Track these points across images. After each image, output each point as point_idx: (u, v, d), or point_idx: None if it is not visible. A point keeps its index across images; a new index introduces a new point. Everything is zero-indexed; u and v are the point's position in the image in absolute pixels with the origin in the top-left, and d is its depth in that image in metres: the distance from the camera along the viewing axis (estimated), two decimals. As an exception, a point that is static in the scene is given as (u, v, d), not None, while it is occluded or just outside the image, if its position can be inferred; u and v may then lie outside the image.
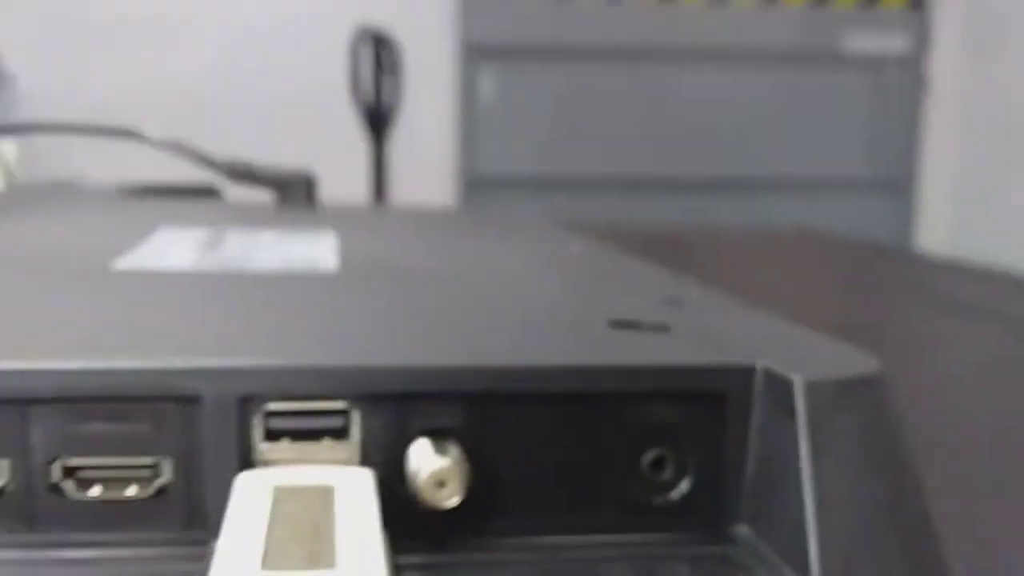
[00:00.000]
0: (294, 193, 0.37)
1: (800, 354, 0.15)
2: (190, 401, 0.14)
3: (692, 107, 1.82)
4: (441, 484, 0.14)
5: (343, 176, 1.37)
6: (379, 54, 1.18)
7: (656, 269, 0.25)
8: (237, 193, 0.47)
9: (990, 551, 0.18)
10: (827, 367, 0.15)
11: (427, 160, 1.61)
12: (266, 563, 0.11)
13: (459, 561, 0.14)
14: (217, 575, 0.10)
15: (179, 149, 0.36)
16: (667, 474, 0.15)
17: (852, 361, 0.15)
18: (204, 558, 0.14)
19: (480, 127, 1.70)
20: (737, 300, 0.20)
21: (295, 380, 0.14)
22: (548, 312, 0.19)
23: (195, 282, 0.21)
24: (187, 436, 0.14)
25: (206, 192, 0.52)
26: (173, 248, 0.26)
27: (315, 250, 0.27)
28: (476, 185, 1.71)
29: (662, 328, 0.17)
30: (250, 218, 0.34)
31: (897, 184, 1.91)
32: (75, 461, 0.14)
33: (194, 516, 0.14)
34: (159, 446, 0.14)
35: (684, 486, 0.15)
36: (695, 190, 1.82)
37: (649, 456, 0.15)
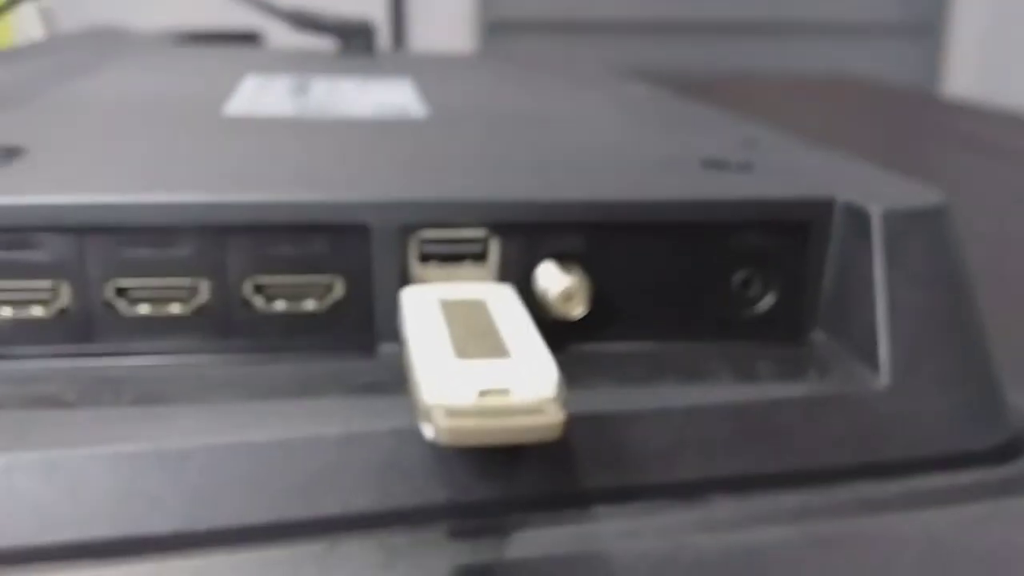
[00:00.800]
0: (355, 40, 0.38)
1: (875, 187, 0.18)
2: (360, 229, 0.16)
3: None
4: (568, 298, 0.16)
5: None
6: None
7: (723, 111, 0.27)
8: (280, 38, 0.48)
9: None
10: (900, 199, 0.17)
11: (447, 6, 1.58)
12: (457, 355, 0.13)
13: (585, 361, 0.17)
14: (421, 366, 0.13)
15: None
16: (754, 291, 0.18)
17: (921, 194, 0.17)
18: (376, 358, 0.16)
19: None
20: (806, 140, 0.22)
21: (444, 211, 0.16)
22: (644, 151, 0.21)
23: (308, 128, 0.23)
24: (356, 258, 0.16)
25: (250, 37, 0.53)
26: (268, 95, 0.28)
27: (400, 96, 0.28)
28: (497, 28, 1.68)
29: (748, 166, 0.19)
30: (323, 65, 0.35)
31: (927, 28, 1.87)
32: (263, 279, 0.16)
33: (364, 325, 0.17)
34: (333, 266, 0.16)
35: (768, 300, 0.18)
36: (722, 32, 1.79)
37: (739, 276, 0.18)
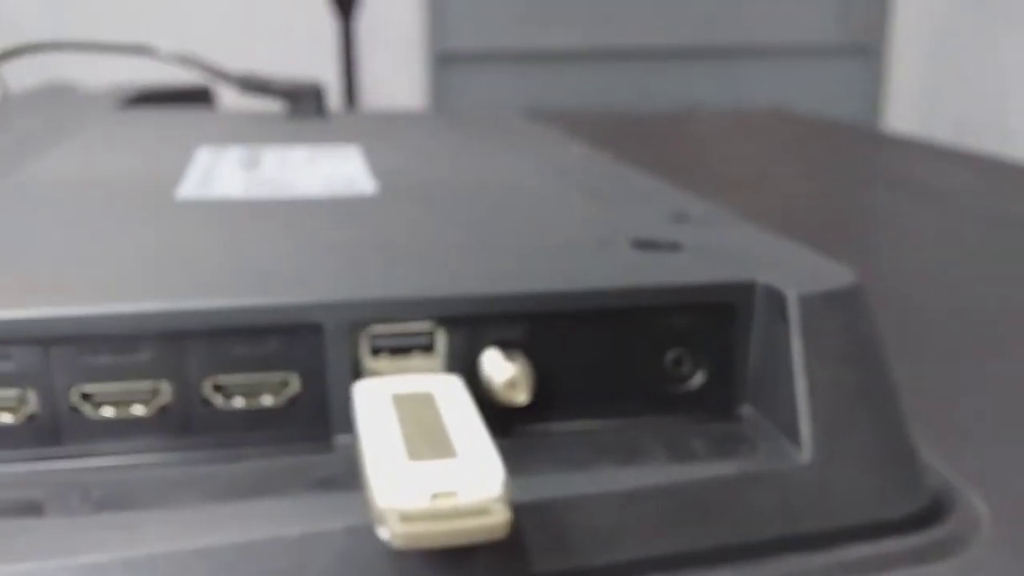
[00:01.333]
0: (304, 103, 0.39)
1: (792, 269, 0.19)
2: (313, 328, 0.17)
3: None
4: (512, 386, 0.17)
5: (312, 56, 1.36)
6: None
7: (655, 180, 0.28)
8: (230, 96, 0.49)
9: (945, 421, 0.22)
10: (814, 281, 0.18)
11: (396, 37, 1.59)
12: (409, 456, 0.14)
13: (529, 445, 0.18)
14: (374, 469, 0.14)
15: (192, 63, 0.38)
16: (685, 369, 0.19)
17: (834, 275, 0.19)
18: (332, 450, 0.17)
19: (448, 1, 1.67)
20: (733, 212, 0.24)
21: (392, 308, 0.17)
22: (578, 231, 0.22)
23: (261, 212, 0.24)
24: (310, 355, 0.17)
25: (201, 94, 0.53)
26: (220, 171, 0.28)
27: (348, 168, 0.29)
28: (446, 59, 1.69)
29: (676, 247, 0.20)
30: (273, 132, 0.36)
31: (869, 50, 1.93)
32: (222, 379, 0.17)
33: (319, 418, 0.17)
34: (288, 363, 0.17)
35: (699, 378, 0.19)
36: (667, 59, 1.82)
37: (671, 355, 0.19)
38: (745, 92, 1.83)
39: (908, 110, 1.91)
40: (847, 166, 0.49)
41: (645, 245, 0.21)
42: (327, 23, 1.25)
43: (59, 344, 0.16)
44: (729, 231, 0.22)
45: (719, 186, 0.41)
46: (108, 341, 0.16)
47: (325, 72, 1.25)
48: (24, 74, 0.53)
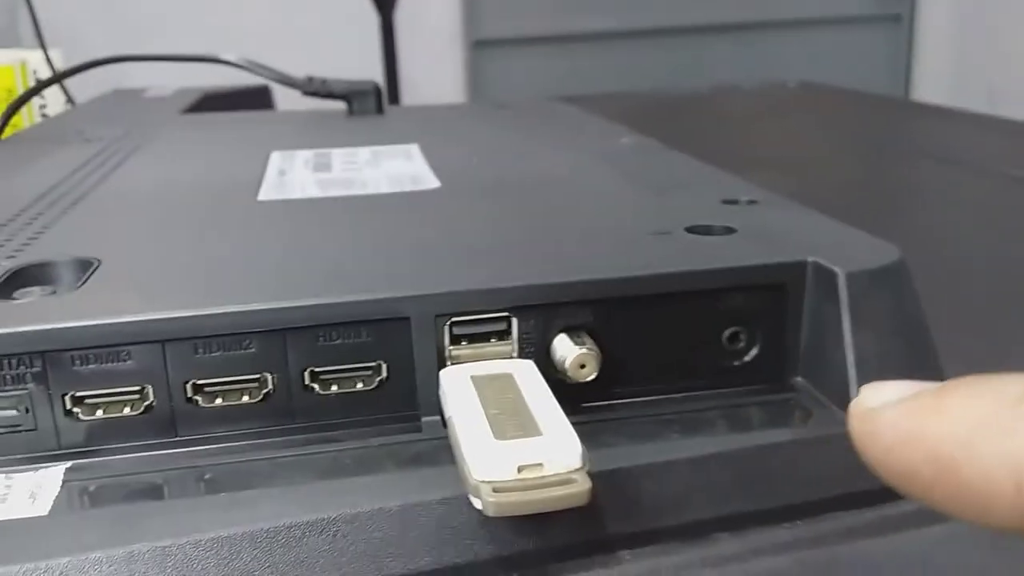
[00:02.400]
0: (363, 102, 0.41)
1: (840, 248, 0.20)
2: (401, 320, 0.19)
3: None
4: (582, 366, 0.19)
5: (355, 49, 1.38)
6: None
7: (703, 165, 0.30)
8: (287, 95, 0.51)
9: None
10: (861, 259, 0.19)
11: (433, 27, 1.61)
12: (495, 435, 0.16)
13: (599, 419, 0.19)
14: (467, 447, 0.16)
15: (257, 68, 0.40)
16: (741, 344, 0.20)
17: (880, 252, 0.20)
18: (421, 430, 0.19)
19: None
20: (779, 193, 0.25)
21: (471, 300, 0.19)
22: (636, 220, 0.23)
23: (339, 211, 0.26)
24: (399, 345, 0.19)
25: (261, 93, 0.55)
26: (294, 173, 0.30)
27: (412, 166, 0.31)
28: (482, 45, 1.71)
29: (729, 230, 0.22)
30: (337, 132, 0.38)
31: (898, 19, 1.90)
32: (319, 368, 0.19)
33: (407, 401, 0.19)
34: (378, 353, 0.19)
35: (754, 352, 0.20)
36: (697, 37, 1.82)
37: (727, 332, 0.20)
38: (775, 66, 1.81)
39: (939, 80, 1.88)
40: (881, 137, 0.50)
41: (700, 230, 0.22)
42: (369, 17, 1.27)
43: (173, 343, 0.18)
44: (777, 213, 0.24)
45: (758, 164, 0.42)
46: (217, 338, 0.18)
47: (368, 63, 1.27)
48: (87, 81, 0.55)
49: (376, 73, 1.25)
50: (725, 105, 0.65)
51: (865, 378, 0.18)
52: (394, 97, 1.29)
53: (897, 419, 0.13)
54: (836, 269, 0.19)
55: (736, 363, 0.20)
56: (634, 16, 1.77)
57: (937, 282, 0.29)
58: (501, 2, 1.71)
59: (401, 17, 1.34)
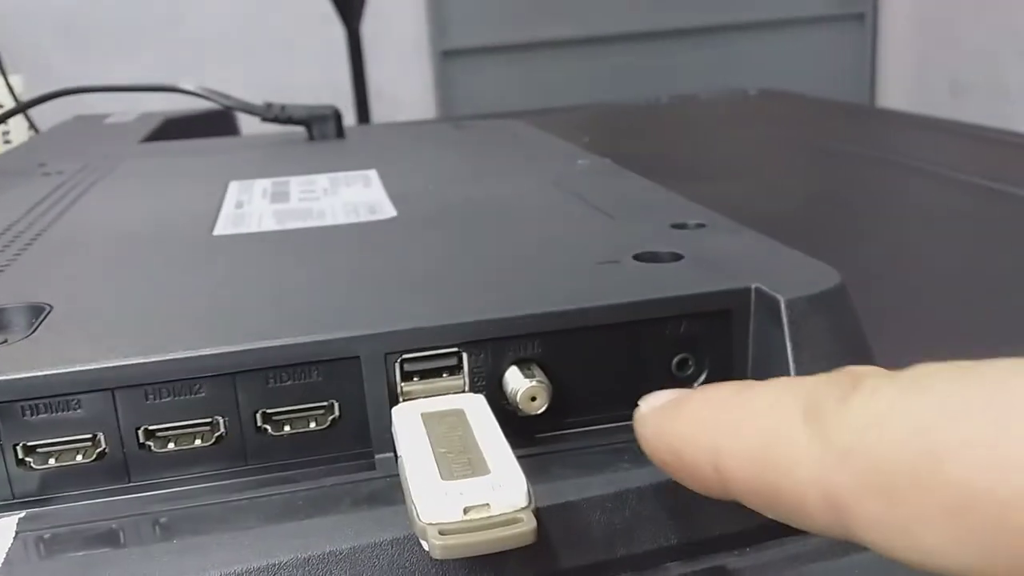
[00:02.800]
0: (323, 126, 0.41)
1: (782, 273, 0.21)
2: (351, 359, 0.19)
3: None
4: (533, 398, 0.19)
5: (323, 59, 1.38)
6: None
7: (655, 187, 0.30)
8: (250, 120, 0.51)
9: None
10: (802, 284, 0.20)
11: (400, 38, 1.61)
12: (443, 475, 0.16)
13: (551, 450, 0.19)
14: (415, 488, 0.16)
15: (218, 97, 0.40)
16: (690, 370, 0.21)
17: (821, 276, 0.20)
18: (374, 467, 0.19)
19: (448, 1, 1.69)
20: (727, 217, 0.26)
21: (421, 337, 0.19)
22: (585, 248, 0.24)
23: (293, 244, 0.26)
24: (350, 383, 0.19)
25: (222, 117, 0.55)
26: (251, 205, 0.30)
27: (369, 194, 0.31)
28: (450, 55, 1.71)
29: (677, 257, 0.22)
30: (296, 158, 0.38)
31: (859, 17, 1.93)
32: (272, 410, 0.19)
33: (360, 439, 0.19)
34: (330, 392, 0.19)
35: (702, 378, 0.21)
36: (660, 42, 1.83)
37: (676, 358, 0.20)
38: (739, 69, 1.83)
39: (902, 76, 1.91)
40: (839, 146, 0.50)
41: (647, 257, 0.22)
42: (336, 27, 1.27)
43: (124, 389, 0.18)
44: (724, 237, 0.24)
45: (713, 175, 0.43)
46: (167, 384, 0.18)
47: (336, 73, 1.27)
48: (50, 105, 0.55)
49: (344, 82, 1.25)
50: (684, 115, 0.65)
51: (810, 401, 0.19)
52: (363, 107, 1.29)
53: (652, 420, 0.16)
54: (777, 296, 0.19)
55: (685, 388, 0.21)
56: (597, 23, 1.78)
57: (887, 297, 0.29)
58: (467, 12, 1.72)
59: (368, 28, 1.34)
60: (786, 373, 0.19)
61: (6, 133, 0.69)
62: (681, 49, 1.85)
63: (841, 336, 0.20)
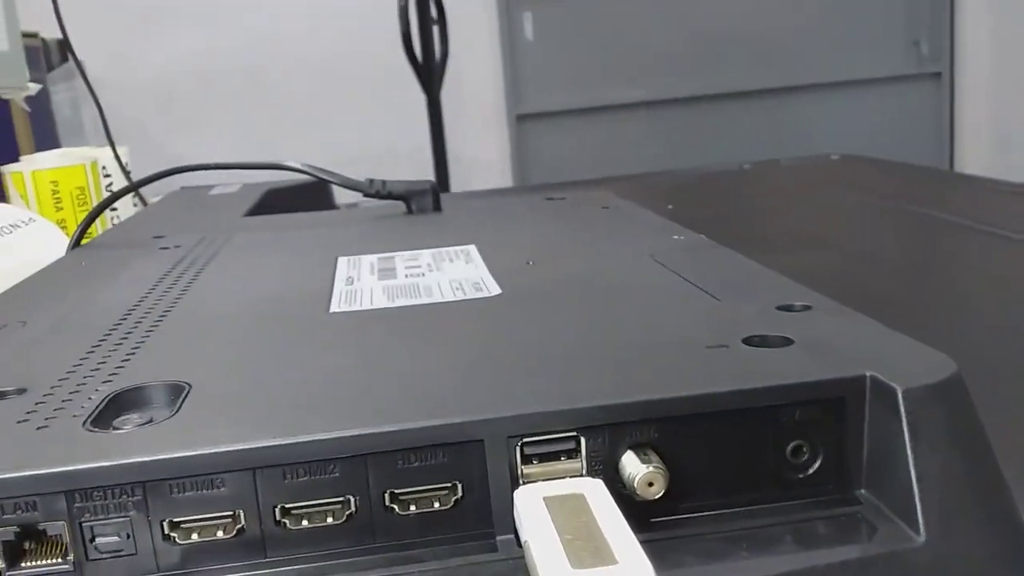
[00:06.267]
0: (420, 200, 0.43)
1: (897, 361, 0.21)
2: (476, 443, 0.20)
3: (728, 19, 1.82)
4: (650, 484, 0.20)
5: (405, 127, 1.42)
6: (424, 9, 1.22)
7: (754, 265, 0.31)
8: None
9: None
10: (919, 374, 0.20)
11: (477, 102, 1.65)
12: (572, 563, 0.17)
13: (668, 536, 0.20)
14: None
15: (320, 173, 0.42)
16: (804, 457, 0.21)
17: (937, 365, 0.21)
18: (496, 549, 0.20)
19: (523, 67, 1.73)
20: (832, 301, 0.26)
21: (542, 421, 0.20)
22: (691, 329, 0.24)
23: (407, 323, 0.27)
24: (473, 465, 0.20)
25: (321, 189, 0.58)
26: (361, 282, 0.32)
27: (472, 271, 0.32)
28: (525, 119, 1.75)
29: (787, 342, 0.23)
30: (398, 233, 0.40)
31: (938, 76, 1.91)
32: (400, 490, 0.20)
33: (482, 520, 0.20)
34: (454, 473, 0.20)
35: (818, 465, 0.21)
36: (738, 102, 1.84)
37: (790, 445, 0.21)
38: (816, 129, 1.83)
39: (981, 134, 1.88)
40: (925, 212, 0.50)
41: (756, 341, 0.23)
42: (417, 95, 1.31)
43: (264, 469, 0.19)
44: (832, 320, 0.24)
45: (806, 244, 0.43)
46: (304, 464, 0.19)
47: (417, 138, 1.31)
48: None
49: (423, 147, 1.29)
50: (767, 182, 0.66)
51: (928, 491, 0.19)
52: (443, 171, 1.33)
53: None
54: (895, 385, 0.20)
55: (800, 476, 0.21)
56: (670, 85, 1.80)
57: (1001, 383, 0.29)
58: (542, 78, 1.76)
59: (447, 94, 1.38)
60: (904, 462, 0.19)
61: (114, 208, 0.73)
62: (756, 110, 1.85)
63: (959, 426, 0.20)
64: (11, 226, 0.59)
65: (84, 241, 0.45)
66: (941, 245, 0.45)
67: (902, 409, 0.20)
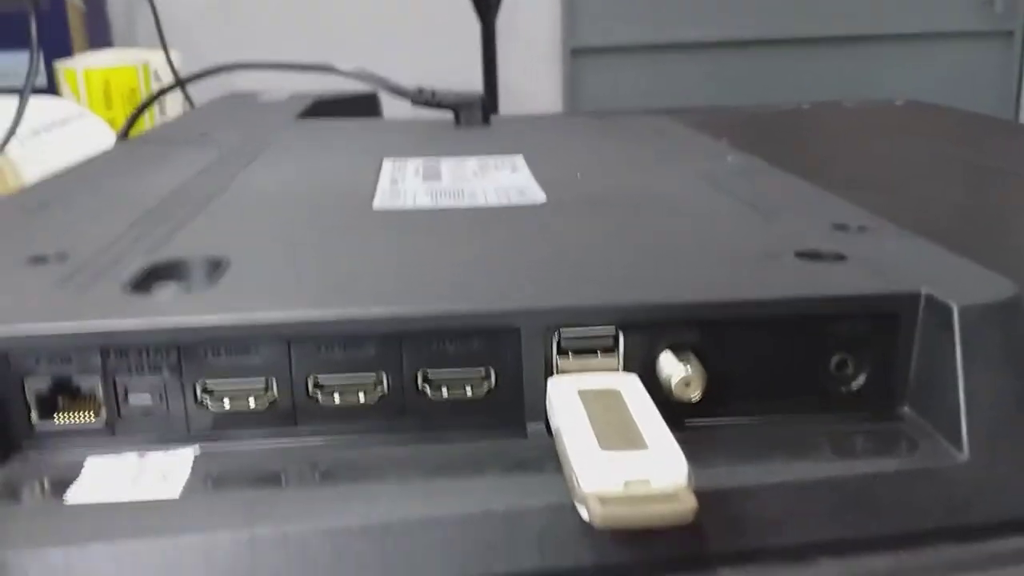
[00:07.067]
0: (469, 112, 0.42)
1: (954, 280, 0.20)
2: (512, 331, 0.19)
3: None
4: (687, 385, 0.19)
5: (457, 54, 1.41)
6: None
7: (811, 188, 0.30)
8: (394, 102, 0.52)
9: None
10: (976, 292, 0.19)
11: (532, 34, 1.63)
12: (603, 447, 0.16)
13: (701, 439, 0.19)
14: (575, 457, 0.16)
15: (369, 78, 0.42)
16: (849, 372, 0.20)
17: (995, 286, 0.20)
18: (526, 437, 0.20)
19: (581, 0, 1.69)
20: (890, 221, 0.25)
21: (581, 314, 0.19)
22: (743, 242, 0.24)
23: (450, 221, 0.27)
24: (508, 354, 0.19)
25: (369, 99, 0.57)
26: (405, 183, 0.31)
27: (518, 178, 0.32)
28: (580, 53, 1.71)
29: (840, 258, 0.22)
30: (445, 142, 0.39)
31: (1010, 35, 1.84)
32: (431, 373, 0.20)
33: (514, 408, 0.20)
34: (488, 360, 0.20)
35: (861, 380, 0.20)
36: (802, 48, 1.79)
37: (835, 359, 0.20)
38: (879, 81, 1.77)
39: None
40: (995, 162, 0.48)
41: (809, 256, 0.22)
42: (471, 22, 1.29)
43: (299, 342, 0.19)
44: (888, 241, 0.23)
45: (865, 185, 0.42)
46: (340, 340, 0.19)
47: (468, 67, 1.30)
48: (201, 83, 0.58)
49: (475, 77, 1.27)
50: (827, 122, 0.64)
51: (975, 410, 0.18)
52: (493, 100, 1.31)
53: None
54: (951, 303, 0.19)
55: (843, 390, 0.20)
56: (732, 26, 1.75)
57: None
58: (599, 11, 1.72)
59: (501, 24, 1.36)
60: (953, 381, 0.19)
61: (163, 113, 0.73)
62: (819, 58, 1.80)
63: (1014, 349, 0.19)
64: (62, 120, 0.60)
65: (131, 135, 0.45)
66: (1008, 195, 0.44)
67: (956, 327, 0.19)
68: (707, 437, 0.20)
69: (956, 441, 0.18)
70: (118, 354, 0.19)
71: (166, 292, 0.21)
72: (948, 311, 0.19)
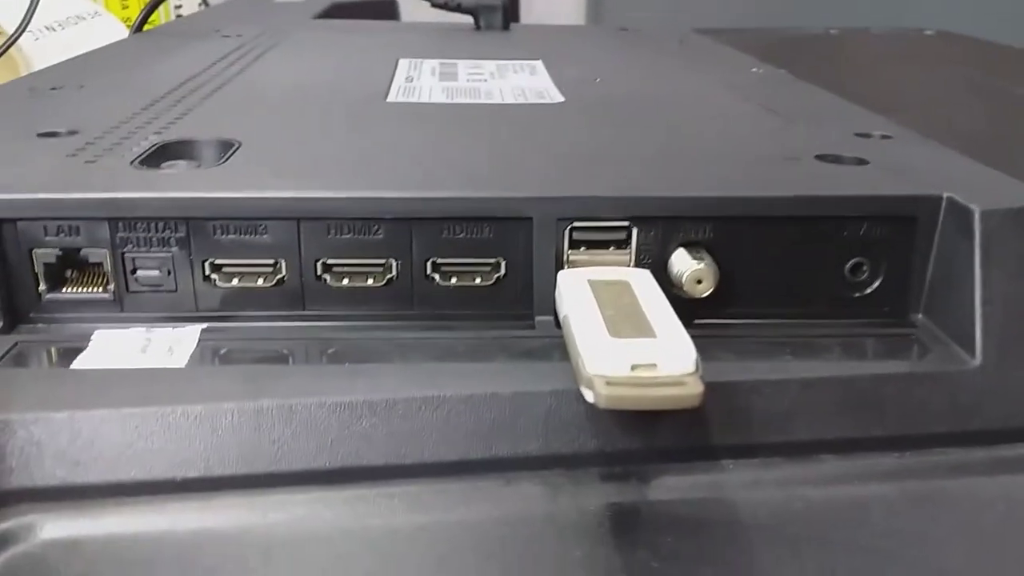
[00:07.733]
0: (489, 17, 0.41)
1: (975, 185, 0.20)
2: (523, 220, 0.19)
3: None
4: (699, 281, 0.19)
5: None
6: None
7: (835, 98, 0.29)
8: (412, 7, 0.51)
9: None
10: (998, 198, 0.19)
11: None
12: (611, 333, 0.16)
13: (712, 335, 0.19)
14: (582, 342, 0.16)
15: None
16: (863, 276, 0.20)
17: (1018, 192, 0.19)
18: (534, 327, 0.19)
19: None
20: (914, 132, 0.24)
21: (594, 206, 0.19)
22: (763, 144, 0.23)
23: (465, 115, 0.26)
24: (519, 244, 0.19)
25: (387, 5, 0.56)
26: (421, 81, 0.31)
27: (536, 81, 0.31)
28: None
29: (862, 162, 0.21)
30: (463, 45, 0.38)
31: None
32: (441, 260, 0.19)
33: (523, 299, 0.20)
34: (499, 250, 0.19)
35: (876, 285, 0.20)
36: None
37: (850, 262, 0.20)
38: (905, 9, 1.73)
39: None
40: (1022, 88, 0.47)
41: (831, 159, 0.22)
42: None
43: (308, 221, 0.19)
44: (912, 148, 0.23)
45: (890, 106, 0.41)
46: (349, 221, 0.19)
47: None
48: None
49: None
50: (855, 48, 0.62)
51: (990, 316, 0.18)
52: (513, 13, 1.28)
53: None
54: (972, 206, 0.19)
55: (857, 294, 0.20)
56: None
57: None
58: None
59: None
60: (969, 286, 0.18)
61: (178, 7, 0.72)
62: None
63: (1035, 256, 0.19)
64: (77, 17, 0.59)
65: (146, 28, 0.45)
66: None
67: (976, 231, 0.18)
68: (717, 335, 0.19)
69: (969, 347, 0.18)
70: (126, 226, 0.19)
71: (174, 169, 0.21)
72: (969, 215, 0.18)
